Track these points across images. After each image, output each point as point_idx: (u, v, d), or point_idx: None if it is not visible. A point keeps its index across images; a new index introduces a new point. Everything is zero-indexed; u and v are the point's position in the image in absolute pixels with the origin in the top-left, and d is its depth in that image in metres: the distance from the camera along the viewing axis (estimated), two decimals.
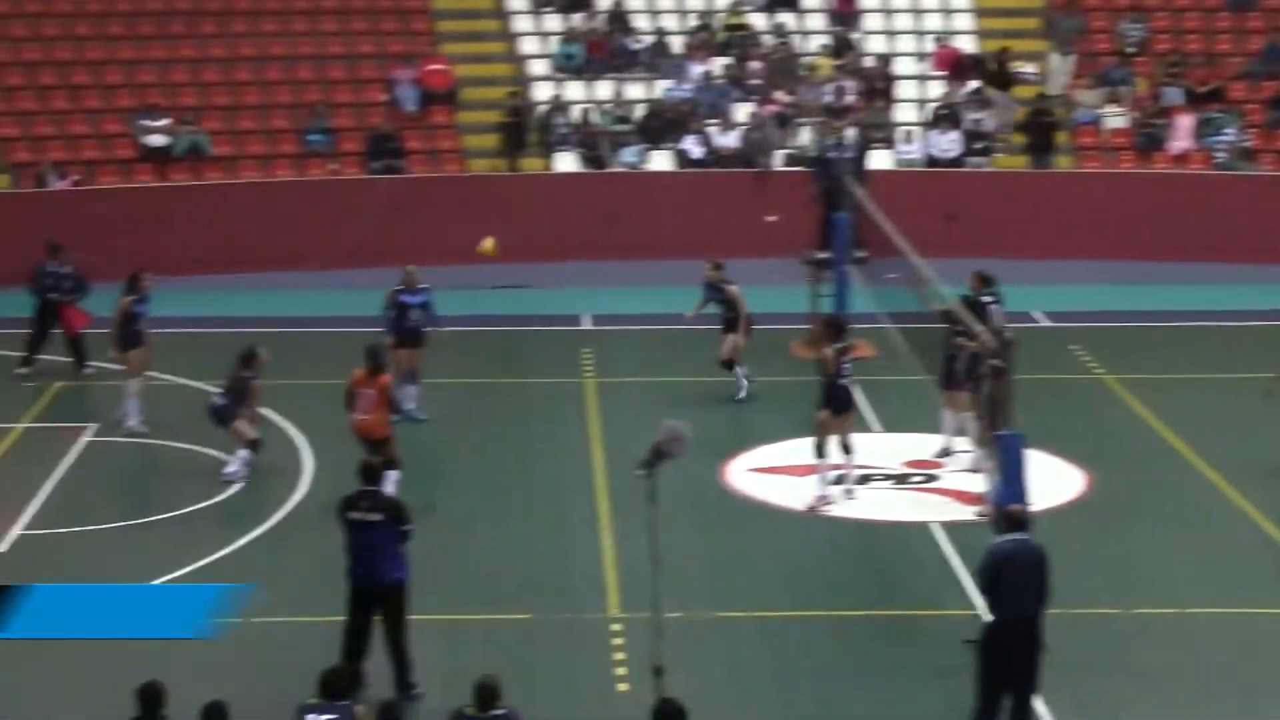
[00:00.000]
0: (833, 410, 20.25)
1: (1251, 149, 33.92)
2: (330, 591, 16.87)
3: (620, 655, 16.35)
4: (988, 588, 14.26)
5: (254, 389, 21.24)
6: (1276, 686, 16.04)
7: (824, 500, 20.25)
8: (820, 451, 20.27)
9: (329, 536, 18.47)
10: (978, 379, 19.49)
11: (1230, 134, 33.72)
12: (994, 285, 22.27)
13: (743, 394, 24.40)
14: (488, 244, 24.46)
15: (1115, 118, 34.85)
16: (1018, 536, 14.29)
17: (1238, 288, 31.05)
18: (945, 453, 21.71)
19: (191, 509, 20.29)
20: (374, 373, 20.08)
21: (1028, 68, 35.09)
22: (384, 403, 20.04)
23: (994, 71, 35.27)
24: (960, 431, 21.45)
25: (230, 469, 21.04)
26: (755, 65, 35.59)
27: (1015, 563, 14.11)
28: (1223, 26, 36.72)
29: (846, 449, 20.51)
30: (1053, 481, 20.87)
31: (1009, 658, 14.17)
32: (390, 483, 19.34)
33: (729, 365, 24.61)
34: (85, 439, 22.57)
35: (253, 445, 21.17)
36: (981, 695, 14.27)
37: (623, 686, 15.76)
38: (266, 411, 23.21)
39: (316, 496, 20.29)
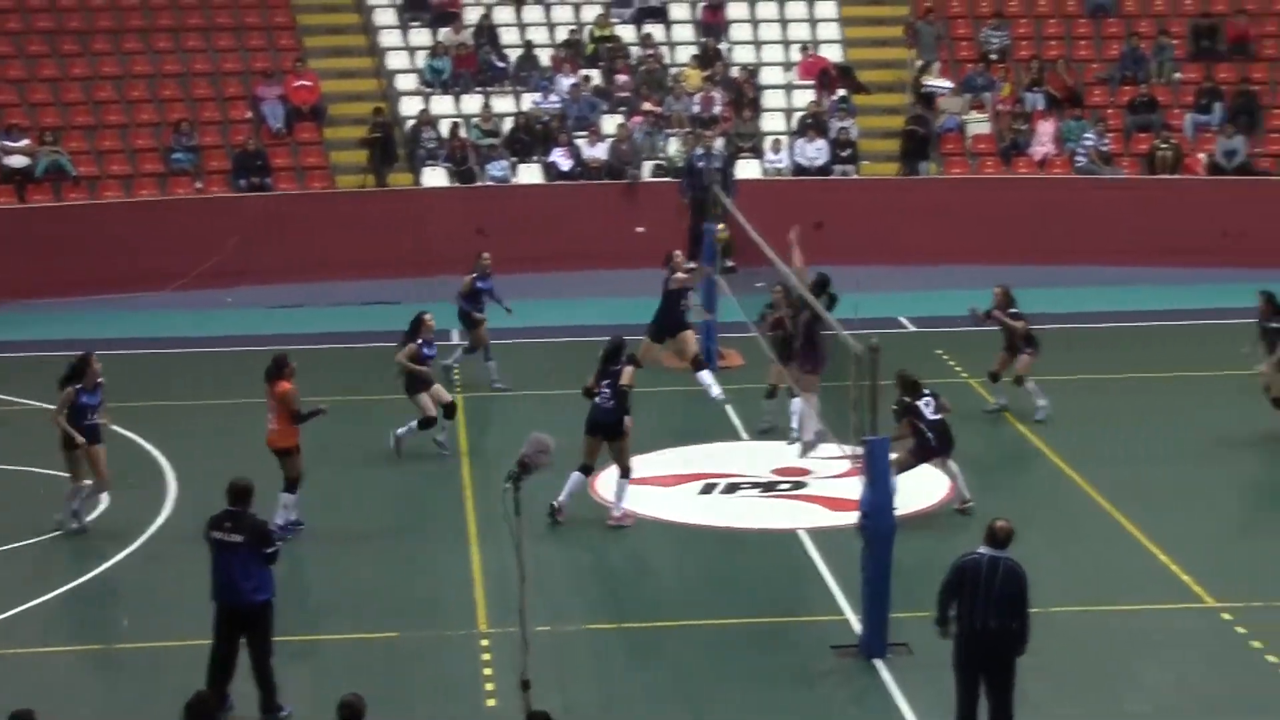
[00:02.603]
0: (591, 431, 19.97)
1: (1111, 153, 34.45)
2: (196, 615, 16.73)
3: (489, 670, 16.32)
4: (944, 597, 14.24)
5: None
6: (1132, 680, 16.31)
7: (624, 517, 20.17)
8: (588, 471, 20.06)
9: (196, 558, 18.38)
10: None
11: (1090, 139, 34.22)
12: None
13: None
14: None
15: (979, 124, 35.28)
16: (987, 552, 14.18)
17: (1100, 290, 31.51)
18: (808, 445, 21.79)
19: (55, 534, 20.00)
20: (271, 382, 19.42)
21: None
22: (284, 414, 19.31)
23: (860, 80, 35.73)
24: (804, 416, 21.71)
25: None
26: (623, 77, 35.71)
27: (977, 575, 14.09)
28: (1082, 33, 37.29)
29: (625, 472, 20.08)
30: (919, 485, 21.05)
31: (976, 668, 14.20)
32: (279, 506, 19.34)
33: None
34: None
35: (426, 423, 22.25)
36: (957, 703, 14.37)
37: (491, 701, 15.73)
38: (132, 435, 23.01)
39: (181, 518, 20.07)
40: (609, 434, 20.00)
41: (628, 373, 20.02)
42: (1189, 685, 16.08)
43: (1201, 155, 34.26)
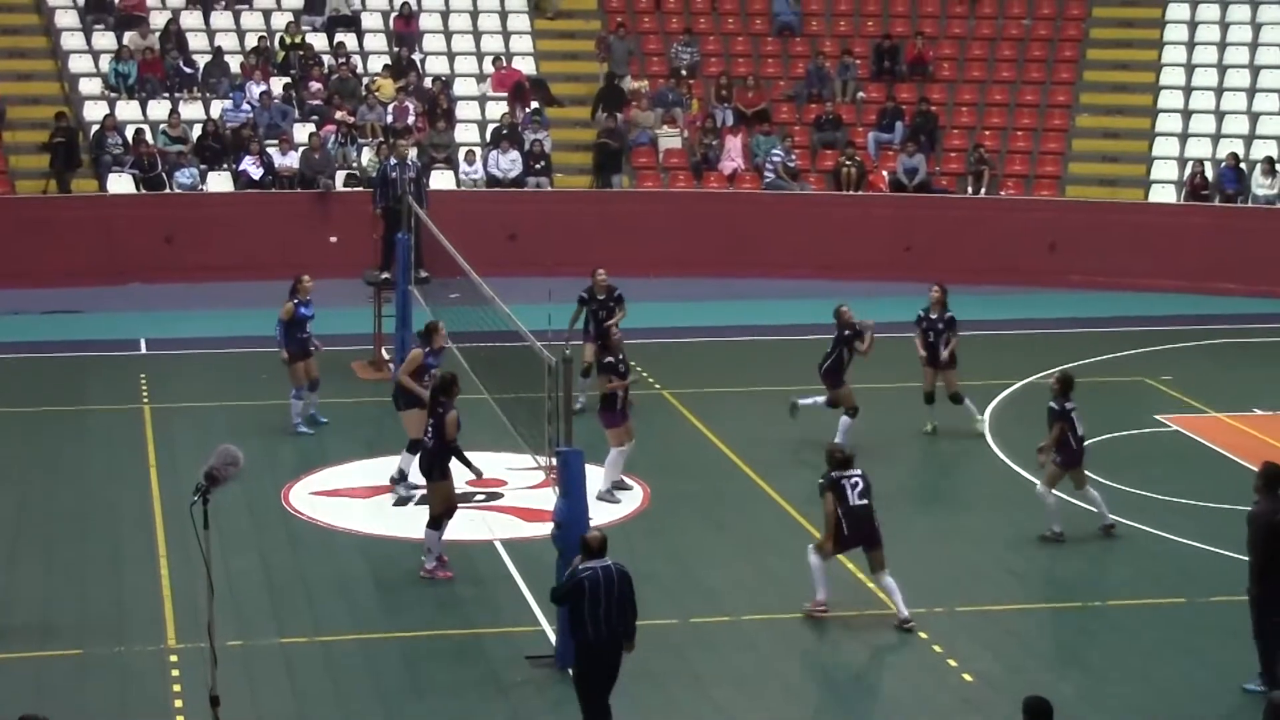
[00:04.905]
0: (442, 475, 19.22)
1: (798, 169, 35.22)
2: None
3: (178, 687, 16.01)
4: (569, 613, 14.42)
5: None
6: (814, 682, 16.78)
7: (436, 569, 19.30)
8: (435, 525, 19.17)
9: None
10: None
11: (778, 154, 34.94)
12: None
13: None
14: None
15: (670, 138, 35.77)
16: (598, 563, 14.45)
17: (786, 302, 32.16)
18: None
19: None
20: None
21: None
22: None
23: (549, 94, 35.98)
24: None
25: None
26: (316, 85, 35.38)
27: (597, 587, 14.29)
28: (769, 51, 38.05)
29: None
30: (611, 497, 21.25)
31: (602, 677, 14.44)
32: None
33: None
34: None
35: None
36: (587, 715, 14.50)
37: (180, 719, 15.44)
38: None
39: None
40: (426, 476, 19.20)
41: (449, 420, 18.95)
42: (871, 688, 16.52)
43: (884, 172, 35.26)
